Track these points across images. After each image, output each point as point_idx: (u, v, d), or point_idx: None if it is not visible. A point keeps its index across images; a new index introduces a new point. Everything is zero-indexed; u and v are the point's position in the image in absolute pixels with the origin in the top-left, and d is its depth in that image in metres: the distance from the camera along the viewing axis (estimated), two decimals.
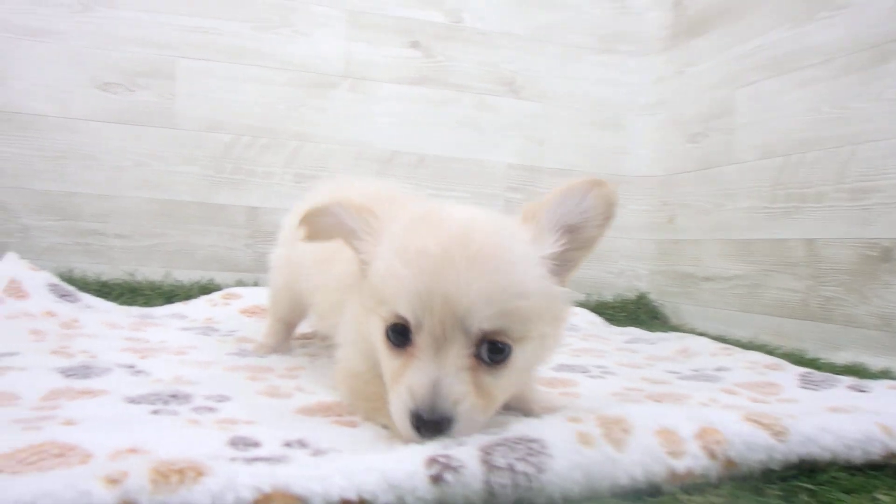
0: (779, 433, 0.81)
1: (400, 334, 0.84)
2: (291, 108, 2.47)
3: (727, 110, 2.40)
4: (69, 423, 0.84)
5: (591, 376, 1.43)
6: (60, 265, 2.31)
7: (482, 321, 0.80)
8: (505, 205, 2.64)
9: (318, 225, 0.97)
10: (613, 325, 2.41)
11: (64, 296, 1.96)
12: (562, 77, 2.69)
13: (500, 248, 0.83)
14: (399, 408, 0.81)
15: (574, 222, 0.90)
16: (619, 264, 2.79)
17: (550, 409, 0.98)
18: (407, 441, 0.80)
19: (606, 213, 0.90)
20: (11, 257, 1.95)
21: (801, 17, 2.10)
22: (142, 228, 2.39)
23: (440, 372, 0.79)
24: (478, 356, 0.81)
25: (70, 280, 2.24)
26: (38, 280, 1.93)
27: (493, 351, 0.82)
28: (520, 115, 2.66)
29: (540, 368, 1.01)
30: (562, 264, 0.90)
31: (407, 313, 0.81)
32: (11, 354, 1.33)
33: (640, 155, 2.79)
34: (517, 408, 1.06)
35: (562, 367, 1.50)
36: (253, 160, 2.45)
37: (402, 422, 0.80)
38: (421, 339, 0.81)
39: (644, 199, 2.79)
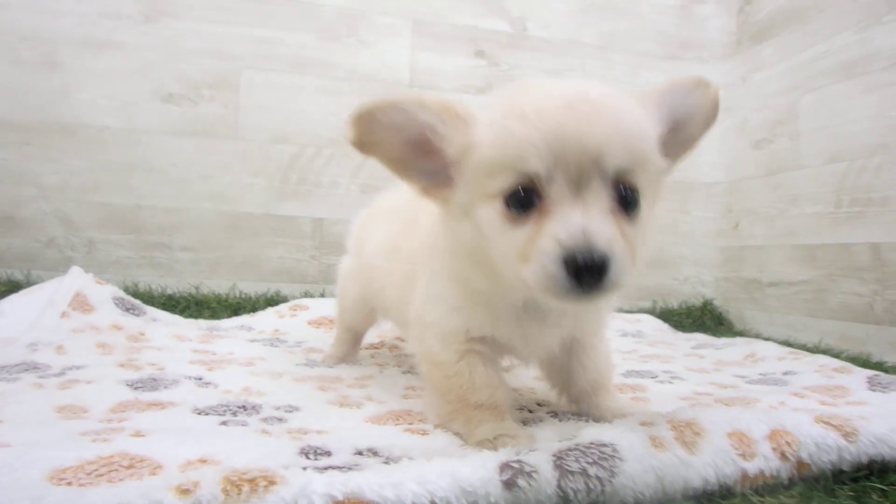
0: (849, 434, 0.77)
1: (524, 199, 0.72)
2: None
3: (792, 116, 2.20)
4: (138, 434, 0.77)
5: (660, 381, 1.35)
6: (126, 279, 2.10)
7: (616, 157, 0.71)
8: None
9: (379, 124, 0.79)
10: (680, 331, 2.22)
11: (129, 309, 1.75)
12: (627, 84, 2.45)
13: (621, 101, 0.76)
14: (547, 261, 0.68)
15: (679, 117, 0.83)
16: (685, 271, 2.53)
17: (622, 415, 0.91)
18: (562, 298, 0.69)
19: (709, 115, 0.86)
20: (76, 271, 1.74)
21: (867, 20, 1.93)
22: (208, 241, 2.17)
23: (587, 215, 0.69)
24: (616, 201, 0.72)
25: (135, 294, 2.04)
26: (103, 294, 1.72)
27: (627, 198, 0.73)
28: None
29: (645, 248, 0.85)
30: (666, 147, 0.81)
31: (538, 167, 0.70)
32: (79, 367, 1.20)
33: (705, 161, 2.54)
34: (589, 413, 1.01)
35: (630, 373, 1.42)
36: (319, 171, 2.23)
37: (555, 274, 0.67)
38: (555, 191, 0.71)
39: (709, 206, 2.53)
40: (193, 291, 2.13)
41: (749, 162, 2.41)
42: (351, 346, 1.47)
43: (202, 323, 1.85)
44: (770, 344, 1.77)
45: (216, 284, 2.16)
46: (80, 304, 1.64)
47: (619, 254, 0.68)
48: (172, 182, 2.14)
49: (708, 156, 2.52)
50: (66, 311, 1.59)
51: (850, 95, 1.98)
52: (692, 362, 1.62)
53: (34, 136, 2.05)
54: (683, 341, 1.97)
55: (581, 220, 0.68)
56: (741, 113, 2.45)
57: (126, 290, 2.06)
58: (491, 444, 0.81)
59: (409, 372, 1.36)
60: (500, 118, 0.75)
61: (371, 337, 1.56)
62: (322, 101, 2.23)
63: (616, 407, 1.00)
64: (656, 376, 1.40)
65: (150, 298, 2.05)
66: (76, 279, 1.70)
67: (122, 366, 1.24)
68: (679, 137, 0.83)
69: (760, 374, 1.45)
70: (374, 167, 2.12)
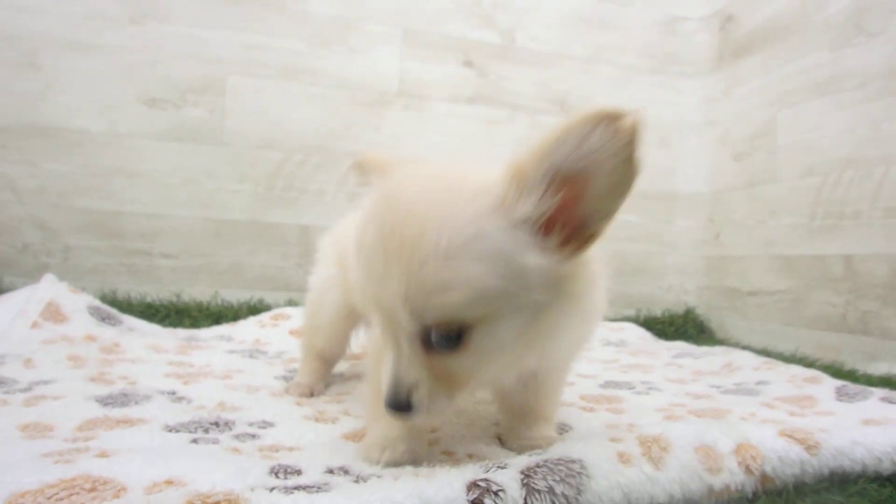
0: (811, 447, 0.77)
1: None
2: (345, 127, 2.14)
3: (770, 130, 2.16)
4: (104, 454, 0.72)
5: (637, 392, 1.31)
6: (104, 286, 1.95)
7: (411, 320, 0.65)
8: None
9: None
10: (662, 339, 2.16)
11: (105, 319, 1.61)
12: (614, 97, 2.37)
13: (435, 234, 0.62)
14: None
15: (576, 170, 0.62)
16: (669, 280, 2.45)
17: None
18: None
19: (621, 160, 0.61)
20: (49, 279, 1.60)
21: (839, 41, 1.91)
22: (190, 248, 2.04)
23: (396, 363, 0.70)
24: (430, 343, 0.68)
25: (113, 302, 1.89)
26: (78, 303, 1.58)
27: (442, 338, 0.67)
28: None
29: (568, 336, 0.78)
30: (564, 226, 0.65)
31: (365, 310, 0.73)
32: (47, 382, 1.08)
33: (689, 173, 2.46)
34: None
35: (608, 384, 1.38)
36: (305, 178, 2.11)
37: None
38: (380, 333, 0.73)
39: (693, 216, 2.45)
40: (174, 299, 1.99)
41: (730, 174, 2.34)
42: (321, 376, 1.24)
43: (181, 332, 1.71)
44: (747, 353, 1.73)
45: (198, 292, 2.02)
46: (53, 313, 1.50)
47: (420, 400, 0.69)
48: (155, 187, 2.00)
49: (691, 167, 2.45)
50: (37, 321, 1.45)
51: (824, 111, 1.95)
52: (671, 372, 1.57)
53: (10, 138, 1.90)
54: (665, 350, 1.91)
55: (394, 368, 0.70)
56: (723, 126, 2.39)
57: (104, 297, 1.92)
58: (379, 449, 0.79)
59: None
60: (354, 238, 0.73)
61: (352, 347, 1.35)
62: (310, 108, 2.11)
63: (538, 437, 0.88)
64: (634, 387, 1.35)
65: (129, 306, 1.90)
66: (49, 287, 1.56)
67: (92, 380, 1.11)
68: (587, 192, 0.63)
69: (735, 384, 1.41)
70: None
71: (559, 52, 2.32)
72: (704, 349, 1.89)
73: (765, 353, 1.83)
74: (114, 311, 1.66)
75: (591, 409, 1.14)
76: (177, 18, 2.01)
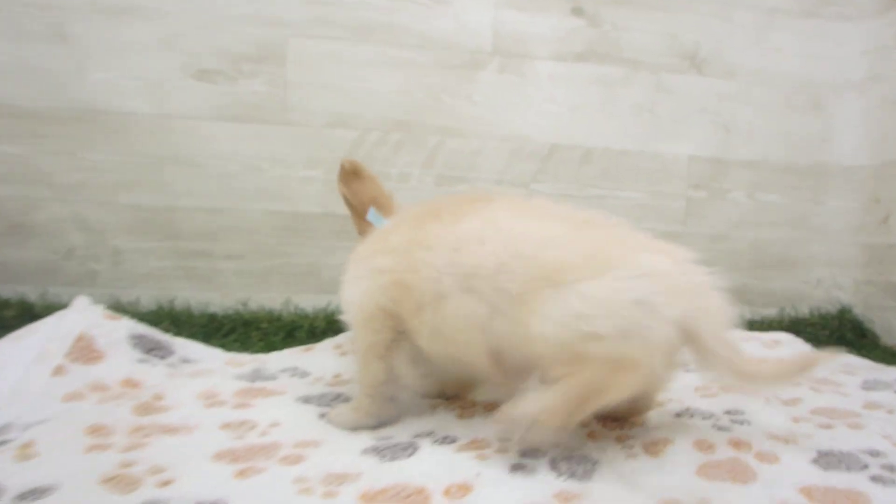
0: None
1: None
2: (430, 96, 1.63)
3: None
4: None
5: (882, 482, 0.71)
6: (161, 294, 1.54)
7: None
8: (687, 205, 1.75)
9: None
10: (812, 345, 1.53)
11: (152, 350, 1.18)
12: (754, 49, 1.77)
13: None
14: None
15: None
16: (817, 272, 1.86)
17: None
18: None
19: None
20: (82, 304, 1.18)
21: None
22: (256, 247, 1.60)
23: None
24: None
25: (172, 313, 1.49)
26: (117, 332, 1.15)
27: None
28: (703, 97, 1.75)
29: None
30: None
31: None
32: (45, 491, 0.67)
33: (848, 141, 1.84)
34: None
35: (825, 460, 0.77)
36: (385, 160, 1.62)
37: None
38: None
39: (851, 195, 1.84)
40: (240, 308, 1.56)
41: None
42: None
43: (246, 364, 1.28)
44: None
45: (267, 299, 1.59)
46: (84, 351, 1.08)
47: None
48: (212, 177, 1.56)
49: (851, 135, 1.83)
50: (62, 365, 1.03)
51: None
52: (878, 418, 0.96)
53: (42, 125, 1.48)
54: (844, 375, 1.33)
55: None
56: (891, 83, 1.76)
57: (160, 308, 1.52)
58: None
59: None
60: None
61: None
62: (388, 74, 1.60)
63: None
64: (867, 467, 0.76)
65: (190, 317, 1.49)
66: (80, 316, 1.13)
67: (109, 481, 0.69)
68: None
69: None
70: (451, 154, 1.50)
71: None
72: (893, 371, 1.32)
73: None
74: (164, 339, 1.23)
75: None
76: None
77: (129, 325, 1.20)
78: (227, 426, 0.91)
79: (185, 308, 1.54)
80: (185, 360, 1.23)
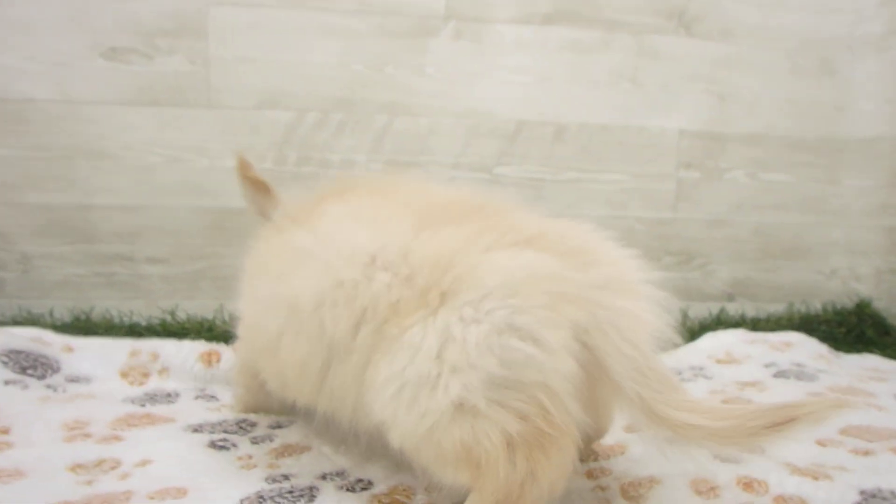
0: None
1: None
2: (375, 69, 1.41)
3: None
4: None
5: None
6: (77, 305, 1.36)
7: None
8: (678, 187, 1.51)
9: None
10: (839, 349, 1.35)
11: (28, 368, 0.99)
12: (752, 3, 1.53)
13: None
14: None
15: None
16: (833, 261, 1.62)
17: None
18: None
19: None
20: None
21: None
22: (183, 248, 1.40)
23: None
24: None
25: (89, 324, 1.31)
26: None
27: None
28: (694, 61, 1.51)
29: None
30: None
31: None
32: None
33: (864, 110, 1.59)
34: None
35: (867, 499, 0.59)
36: (326, 145, 1.41)
37: None
38: None
39: (869, 172, 1.59)
40: (167, 318, 1.36)
41: None
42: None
43: (148, 382, 1.07)
44: None
45: (197, 306, 1.39)
46: None
47: None
48: (129, 171, 1.36)
49: (867, 102, 1.58)
50: None
51: None
52: None
53: None
54: (876, 383, 1.10)
55: None
56: None
57: (76, 320, 1.33)
58: None
59: None
60: None
61: None
62: (325, 45, 1.39)
63: None
64: None
65: (110, 329, 1.30)
66: None
67: None
68: None
69: None
70: (402, 136, 1.24)
71: None
72: None
73: None
74: (47, 354, 1.04)
75: None
76: None
77: (4, 339, 1.01)
78: (77, 468, 0.72)
79: (105, 319, 1.35)
80: (72, 380, 1.03)
